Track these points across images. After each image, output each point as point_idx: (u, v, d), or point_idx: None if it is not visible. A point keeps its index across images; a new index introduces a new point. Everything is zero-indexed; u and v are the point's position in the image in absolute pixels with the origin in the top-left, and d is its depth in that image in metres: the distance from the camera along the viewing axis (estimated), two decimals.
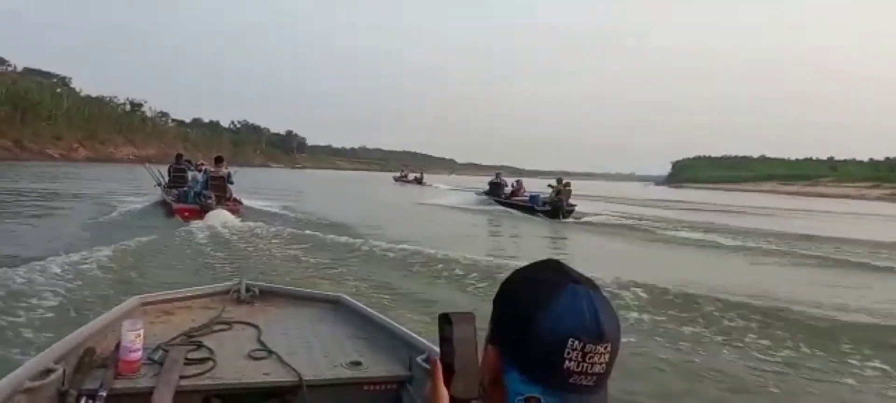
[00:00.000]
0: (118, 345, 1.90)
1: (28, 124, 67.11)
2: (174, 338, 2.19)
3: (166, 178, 16.01)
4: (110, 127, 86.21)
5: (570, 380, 0.69)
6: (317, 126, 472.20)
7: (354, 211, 19.19)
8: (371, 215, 18.59)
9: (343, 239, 10.80)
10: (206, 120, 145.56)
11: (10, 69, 79.22)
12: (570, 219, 19.28)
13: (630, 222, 20.46)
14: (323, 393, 2.01)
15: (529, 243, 14.14)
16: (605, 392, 0.72)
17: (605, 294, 0.74)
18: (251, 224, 12.03)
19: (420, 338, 2.26)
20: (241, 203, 13.94)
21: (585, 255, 12.04)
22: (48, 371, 1.71)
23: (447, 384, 0.79)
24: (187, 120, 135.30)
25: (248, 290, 2.91)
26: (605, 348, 0.69)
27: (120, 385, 1.80)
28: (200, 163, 15.84)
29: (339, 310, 2.84)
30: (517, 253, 11.81)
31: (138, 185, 18.19)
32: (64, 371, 1.75)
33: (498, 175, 25.97)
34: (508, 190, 23.88)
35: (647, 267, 9.91)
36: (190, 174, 14.72)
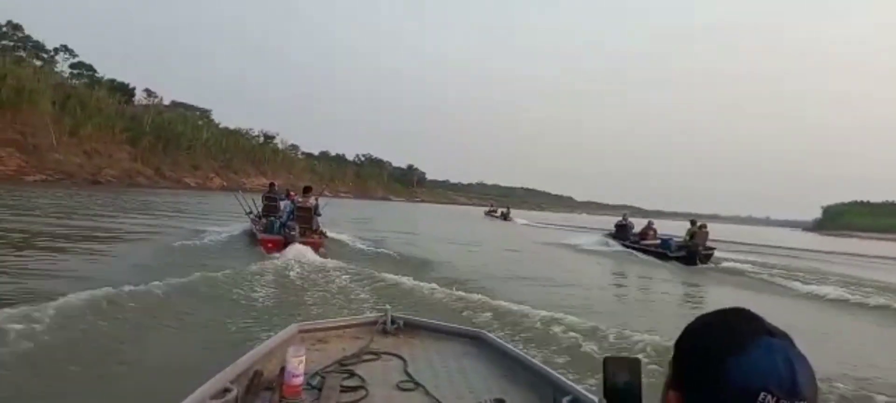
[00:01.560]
0: (282, 370, 2.04)
1: (169, 154, 70.56)
2: (329, 366, 2.36)
3: (258, 208, 15.68)
4: (244, 158, 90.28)
5: None
6: (436, 162, 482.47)
7: (460, 250, 18.04)
8: (480, 258, 16.69)
9: (431, 287, 8.84)
10: (332, 153, 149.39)
11: (156, 101, 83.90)
12: (709, 264, 17.72)
13: (782, 271, 17.27)
14: None
15: (661, 295, 12.13)
16: None
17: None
18: (330, 262, 10.96)
19: (565, 379, 2.27)
20: (325, 236, 13.40)
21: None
22: (225, 391, 1.88)
23: None
24: (315, 152, 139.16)
25: (393, 322, 3.03)
26: None
27: None
28: (290, 192, 15.37)
29: (481, 346, 2.91)
30: (646, 309, 10.08)
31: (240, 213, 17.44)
32: (237, 392, 1.91)
33: (625, 216, 24.03)
34: (636, 231, 21.86)
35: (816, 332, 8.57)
36: (282, 203, 13.93)
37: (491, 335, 3.01)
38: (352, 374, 2.31)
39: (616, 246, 21.76)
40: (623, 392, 0.79)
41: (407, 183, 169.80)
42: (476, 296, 8.10)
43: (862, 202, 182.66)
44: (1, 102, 43.72)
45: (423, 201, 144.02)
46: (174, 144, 72.02)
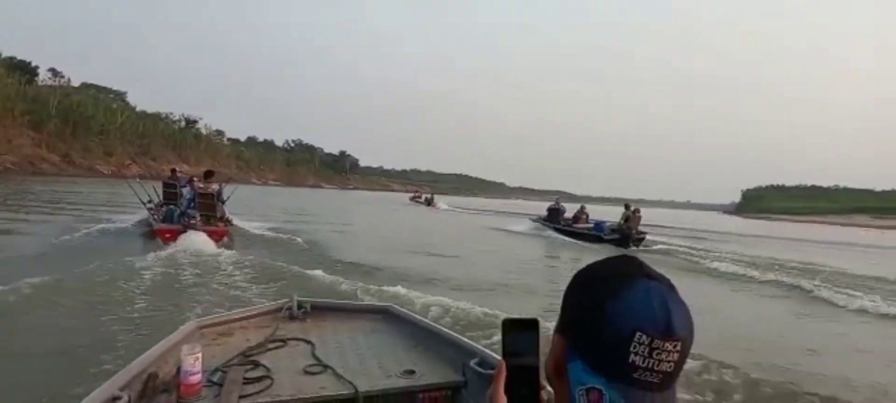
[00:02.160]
0: (179, 370, 1.96)
1: (79, 139, 65.64)
2: (231, 359, 2.25)
3: (159, 196, 14.49)
4: (164, 143, 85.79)
5: (635, 375, 0.67)
6: (368, 147, 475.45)
7: (374, 238, 17.70)
8: (395, 244, 16.44)
9: (335, 278, 8.29)
10: (260, 138, 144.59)
11: (63, 81, 77.70)
12: (641, 247, 17.91)
13: (707, 253, 17.90)
14: None
15: None
16: (672, 393, 0.70)
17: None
18: (229, 253, 10.19)
19: (472, 343, 2.33)
20: (230, 224, 12.61)
21: None
22: (114, 399, 1.75)
23: (509, 390, 0.80)
24: (242, 138, 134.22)
25: (299, 307, 2.97)
26: (674, 346, 0.67)
27: None
28: (193, 177, 13.91)
29: (390, 320, 2.93)
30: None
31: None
32: (129, 397, 1.79)
33: (557, 200, 23.96)
34: (569, 216, 22.13)
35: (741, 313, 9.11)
36: (184, 190, 12.90)
37: (399, 308, 3.03)
38: (256, 364, 2.24)
39: (548, 231, 21.81)
40: (521, 351, 0.80)
41: (339, 169, 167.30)
42: (390, 289, 7.66)
43: (777, 186, 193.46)
44: None
45: (356, 188, 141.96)
46: (84, 129, 67.28)
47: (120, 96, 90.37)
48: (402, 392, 2.11)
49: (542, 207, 27.11)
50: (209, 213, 11.83)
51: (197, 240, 10.49)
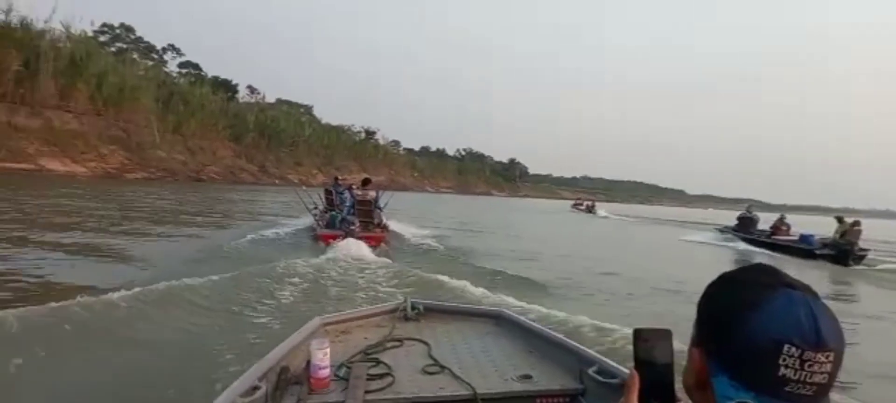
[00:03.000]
0: (308, 363, 2.05)
1: (272, 151, 69.94)
2: (354, 356, 2.34)
3: (323, 201, 14.76)
4: (346, 154, 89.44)
5: (787, 388, 0.66)
6: (538, 156, 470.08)
7: (532, 247, 16.03)
8: (545, 250, 15.51)
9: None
10: (433, 148, 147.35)
11: (259, 97, 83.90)
12: (862, 266, 15.25)
13: None
14: None
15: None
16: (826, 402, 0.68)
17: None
18: (385, 260, 9.82)
19: (590, 351, 2.28)
20: (387, 230, 12.81)
21: None
22: (254, 389, 1.87)
23: (641, 400, 0.80)
24: (416, 148, 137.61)
25: (413, 308, 3.04)
26: (827, 357, 0.65)
27: (313, 399, 1.96)
28: (351, 185, 14.23)
29: (502, 324, 2.94)
30: None
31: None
32: (266, 388, 1.92)
33: (749, 208, 21.69)
34: (764, 227, 19.58)
35: None
36: (344, 197, 13.21)
37: (512, 313, 3.02)
38: (378, 362, 2.31)
39: (738, 242, 19.46)
40: (653, 362, 0.80)
41: (509, 177, 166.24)
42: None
43: None
44: (104, 100, 42.78)
45: (526, 196, 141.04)
46: (277, 141, 71.56)
47: (307, 110, 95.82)
48: (520, 396, 2.09)
49: (728, 217, 24.84)
50: (367, 220, 12.13)
51: (355, 246, 10.43)
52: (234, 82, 79.40)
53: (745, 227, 20.29)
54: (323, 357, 2.01)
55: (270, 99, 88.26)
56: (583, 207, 56.50)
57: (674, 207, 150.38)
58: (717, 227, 23.29)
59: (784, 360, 0.65)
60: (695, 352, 0.75)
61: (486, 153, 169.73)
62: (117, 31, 72.34)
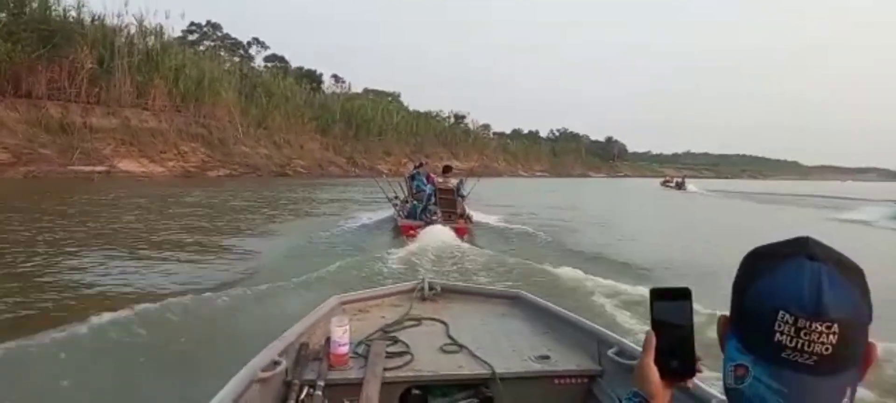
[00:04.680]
0: (328, 340, 2.13)
1: (361, 140, 67.33)
2: (372, 334, 2.40)
3: (404, 192, 13.99)
4: (435, 140, 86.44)
5: (783, 355, 0.66)
6: (635, 132, 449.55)
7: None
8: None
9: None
10: (525, 130, 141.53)
11: (345, 87, 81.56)
12: None
13: None
14: (515, 386, 2.08)
15: None
16: (843, 380, 0.67)
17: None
18: (467, 247, 9.83)
19: (609, 332, 2.30)
20: (471, 220, 12.42)
21: None
22: (275, 364, 1.92)
23: (658, 361, 0.80)
24: (507, 131, 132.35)
25: (430, 288, 3.09)
26: (827, 327, 0.64)
27: (334, 376, 2.01)
28: (430, 174, 13.08)
29: (520, 306, 2.97)
30: None
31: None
32: (286, 364, 1.97)
33: None
34: None
35: None
36: (425, 185, 12.39)
37: (529, 295, 3.04)
38: (396, 340, 2.34)
39: None
40: (671, 322, 0.79)
41: (606, 157, 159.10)
42: None
43: None
44: (182, 95, 40.79)
45: (625, 176, 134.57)
46: (365, 131, 68.86)
47: (395, 97, 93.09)
48: (538, 376, 2.12)
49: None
50: (450, 210, 11.90)
51: (441, 233, 10.21)
52: (318, 72, 77.56)
53: None
54: (343, 335, 2.07)
55: (357, 88, 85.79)
56: (672, 184, 56.94)
57: (790, 181, 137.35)
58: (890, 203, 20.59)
59: (779, 326, 0.65)
60: (721, 317, 0.77)
61: (581, 132, 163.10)
62: (205, 29, 72.39)
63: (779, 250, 0.71)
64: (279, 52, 77.53)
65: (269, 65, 72.95)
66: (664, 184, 60.18)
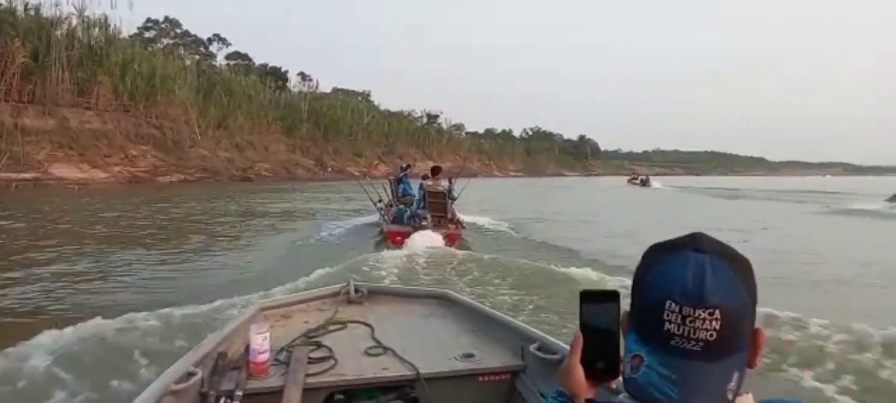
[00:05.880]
0: (247, 348, 2.04)
1: (330, 141, 64.60)
2: (295, 340, 2.33)
3: (389, 194, 13.36)
4: (408, 141, 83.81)
5: (672, 343, 0.69)
6: (607, 130, 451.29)
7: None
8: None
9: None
10: (498, 130, 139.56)
11: (312, 86, 78.15)
12: None
13: None
14: (439, 386, 2.08)
15: None
16: (730, 365, 0.71)
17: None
18: (461, 253, 9.20)
19: (531, 328, 2.35)
20: (463, 225, 11.52)
21: None
22: (189, 375, 1.83)
23: (584, 362, 0.83)
24: (480, 131, 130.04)
25: (356, 291, 3.03)
26: (709, 314, 0.68)
27: (253, 385, 1.93)
28: (424, 175, 12.27)
29: (447, 305, 2.93)
30: None
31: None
32: (202, 374, 1.87)
33: None
34: None
35: None
36: (412, 188, 12.22)
37: (456, 294, 3.06)
38: (319, 345, 2.30)
39: None
40: (598, 325, 0.82)
41: (579, 156, 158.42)
42: None
43: None
44: (130, 93, 37.14)
45: (599, 174, 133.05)
46: (334, 131, 65.54)
47: (365, 96, 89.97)
48: (463, 374, 2.14)
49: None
50: (440, 214, 10.97)
51: (429, 239, 9.65)
52: (284, 70, 73.93)
53: None
54: (262, 342, 2.00)
55: (325, 88, 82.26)
56: (638, 181, 58.83)
57: (761, 177, 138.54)
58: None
59: (667, 315, 0.68)
60: (623, 314, 0.80)
61: (555, 131, 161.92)
62: (162, 25, 68.37)
63: (671, 245, 0.75)
64: (243, 50, 73.92)
65: (232, 62, 69.19)
66: (630, 181, 61.84)
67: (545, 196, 36.10)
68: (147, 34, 63.58)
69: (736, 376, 0.70)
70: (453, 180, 12.28)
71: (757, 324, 0.73)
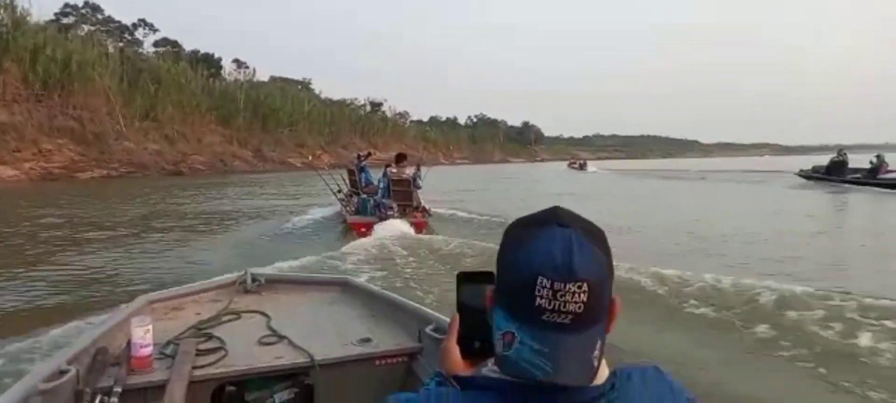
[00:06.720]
0: (129, 343, 1.94)
1: (269, 132, 61.46)
2: (184, 332, 2.21)
3: (348, 184, 13.66)
4: (351, 130, 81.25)
5: (543, 317, 0.71)
6: (550, 117, 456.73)
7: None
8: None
9: None
10: (443, 117, 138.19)
11: (248, 74, 74.65)
12: None
13: None
14: (335, 371, 2.06)
15: None
16: (593, 333, 0.73)
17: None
18: (434, 237, 9.67)
19: (428, 310, 2.32)
20: (429, 213, 11.30)
21: None
22: (61, 373, 1.72)
23: (461, 342, 0.85)
24: (425, 119, 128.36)
25: (253, 280, 2.92)
26: (578, 287, 0.70)
27: (133, 380, 1.83)
28: (388, 164, 11.74)
29: (347, 291, 2.90)
30: None
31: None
32: (77, 371, 1.77)
33: (841, 151, 22.82)
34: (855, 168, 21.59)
35: None
36: (372, 176, 12.19)
37: (357, 280, 3.06)
38: (210, 337, 2.20)
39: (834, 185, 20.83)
40: (475, 305, 0.82)
41: (524, 142, 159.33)
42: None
43: None
44: (44, 82, 33.74)
45: (543, 160, 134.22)
46: (274, 121, 62.64)
47: (305, 85, 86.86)
48: (359, 359, 2.12)
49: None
50: (406, 202, 10.87)
51: (398, 227, 9.80)
52: (217, 57, 70.11)
53: (838, 171, 21.57)
54: (144, 335, 1.91)
55: (262, 76, 78.76)
56: (577, 166, 61.49)
57: (696, 158, 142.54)
58: (799, 173, 24.35)
59: (539, 291, 0.70)
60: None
61: (499, 117, 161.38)
62: (82, 11, 63.54)
63: (534, 220, 0.76)
64: (172, 37, 69.67)
65: (160, 50, 65.00)
66: (570, 165, 65.14)
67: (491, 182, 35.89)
68: (65, 20, 58.88)
69: (599, 344, 0.73)
70: (419, 167, 11.99)
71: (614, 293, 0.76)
